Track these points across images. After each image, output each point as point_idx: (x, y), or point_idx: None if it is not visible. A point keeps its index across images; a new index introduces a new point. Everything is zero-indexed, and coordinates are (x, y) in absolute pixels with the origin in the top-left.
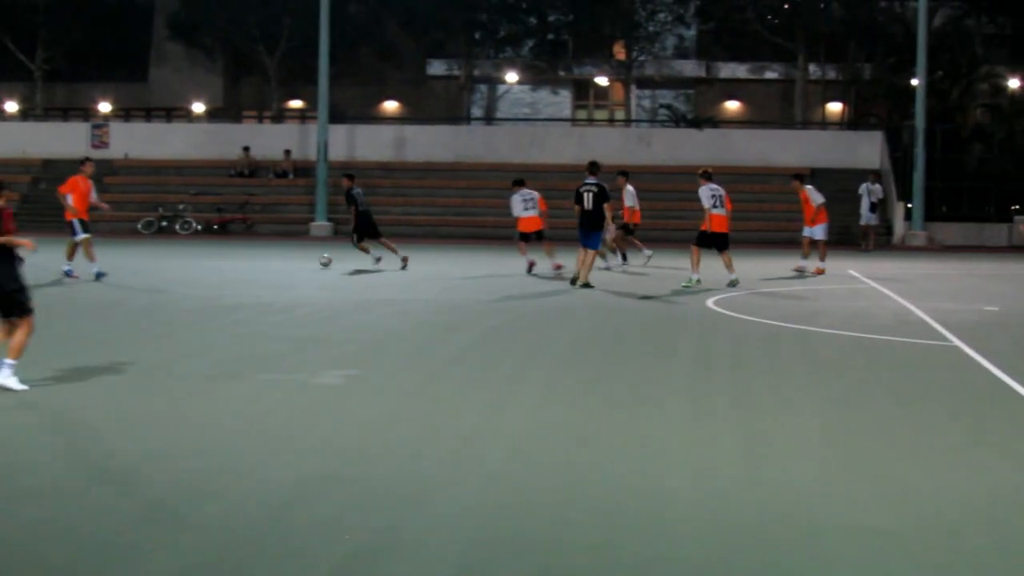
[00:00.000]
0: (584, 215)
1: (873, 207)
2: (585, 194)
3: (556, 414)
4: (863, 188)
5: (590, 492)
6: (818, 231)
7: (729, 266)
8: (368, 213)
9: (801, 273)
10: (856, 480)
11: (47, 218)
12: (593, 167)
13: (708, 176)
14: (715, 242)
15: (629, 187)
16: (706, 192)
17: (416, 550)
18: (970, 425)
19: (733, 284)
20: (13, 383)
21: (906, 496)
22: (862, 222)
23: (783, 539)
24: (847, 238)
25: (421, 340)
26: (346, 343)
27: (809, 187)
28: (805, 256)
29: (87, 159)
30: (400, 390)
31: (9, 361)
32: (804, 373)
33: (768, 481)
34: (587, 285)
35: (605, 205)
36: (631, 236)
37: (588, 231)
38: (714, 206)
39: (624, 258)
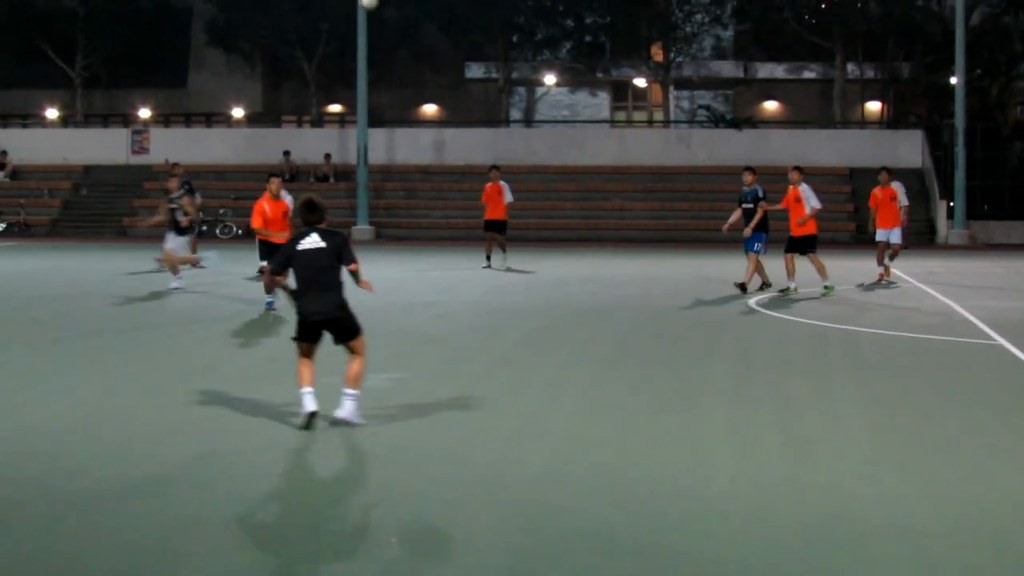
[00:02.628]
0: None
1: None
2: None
3: (600, 416)
4: None
5: (635, 494)
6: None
7: (793, 273)
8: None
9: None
10: (902, 481)
11: (88, 224)
12: (751, 171)
13: (802, 171)
14: (809, 245)
15: (503, 182)
16: (811, 190)
17: (460, 553)
18: (1018, 425)
19: (792, 291)
20: (355, 416)
21: (953, 497)
22: None
23: (829, 540)
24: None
25: (464, 343)
26: (389, 346)
27: (897, 183)
28: (881, 262)
29: (273, 175)
30: (444, 392)
31: (351, 391)
32: (848, 373)
33: (813, 482)
34: (743, 287)
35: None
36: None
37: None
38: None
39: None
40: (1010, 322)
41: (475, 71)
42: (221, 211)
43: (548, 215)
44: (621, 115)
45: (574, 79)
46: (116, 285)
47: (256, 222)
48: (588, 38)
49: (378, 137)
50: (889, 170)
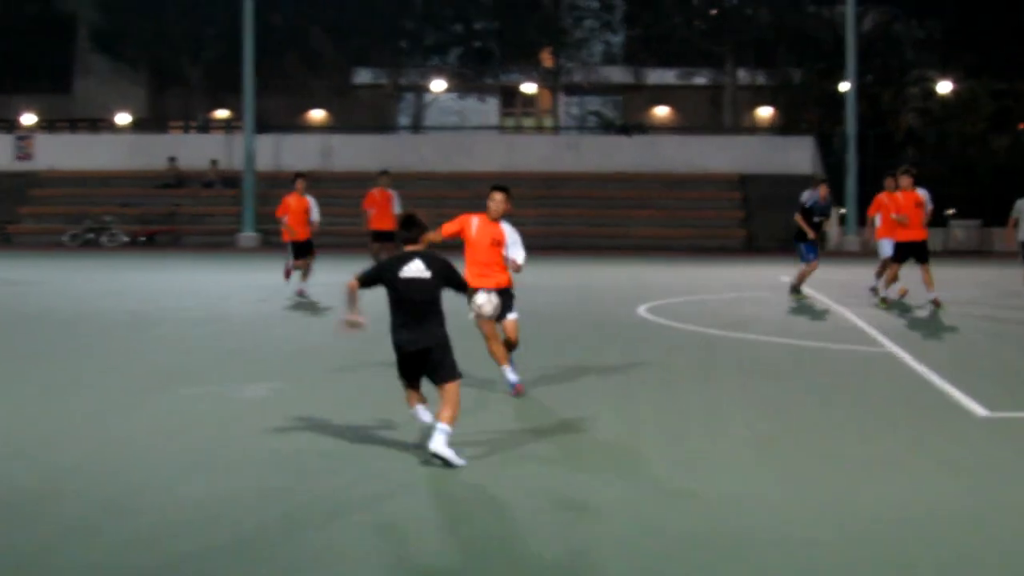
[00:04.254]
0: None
1: None
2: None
3: (482, 429)
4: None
5: (516, 509)
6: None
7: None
8: None
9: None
10: (789, 491)
11: None
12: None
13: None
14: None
15: (393, 191)
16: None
17: (341, 566)
18: (906, 434)
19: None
20: (451, 454)
21: (839, 508)
22: None
23: (714, 551)
24: (785, 244)
25: (348, 351)
26: (272, 355)
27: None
28: (881, 278)
29: (298, 175)
30: (326, 402)
31: (444, 427)
32: (735, 382)
33: (698, 492)
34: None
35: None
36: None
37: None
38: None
39: None
40: (900, 328)
41: (363, 77)
42: (107, 218)
43: (435, 223)
44: (510, 121)
45: (463, 85)
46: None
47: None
48: (477, 44)
49: (265, 143)
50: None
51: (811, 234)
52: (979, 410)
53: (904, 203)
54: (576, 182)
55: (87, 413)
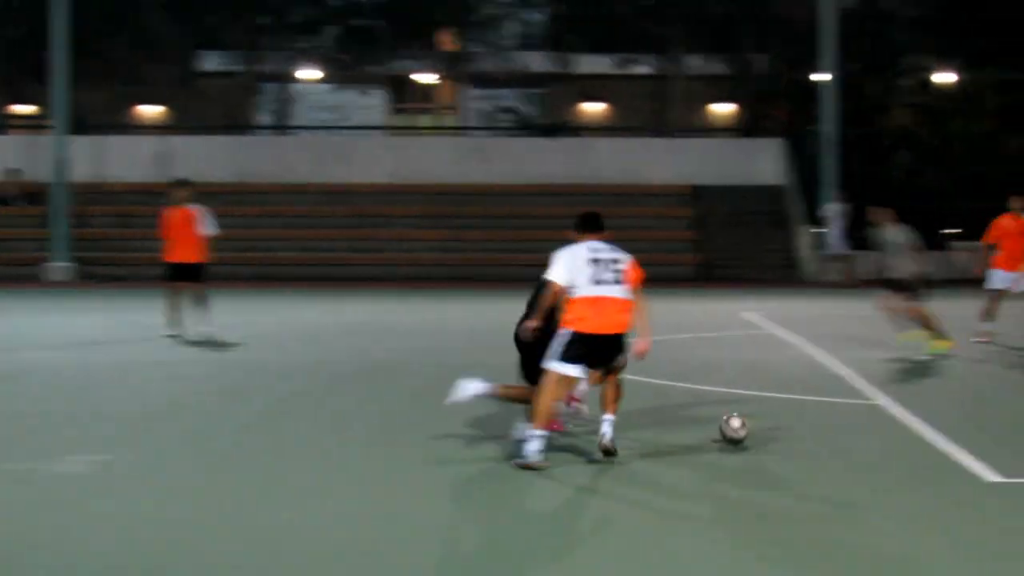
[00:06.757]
0: None
1: (848, 232)
2: None
3: (374, 513)
4: (834, 209)
5: None
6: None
7: None
8: None
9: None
10: None
11: None
12: None
13: None
14: None
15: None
16: None
17: None
18: (903, 506)
19: None
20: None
21: None
22: (834, 251)
23: None
24: (748, 273)
25: (198, 412)
26: (96, 419)
27: None
28: (992, 316)
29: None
30: (167, 479)
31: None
32: (686, 442)
33: None
34: None
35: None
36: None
37: None
38: None
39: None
40: (890, 376)
41: (211, 62)
42: None
43: (307, 247)
44: (402, 120)
45: (340, 73)
46: None
47: None
48: (358, 21)
49: (83, 147)
50: None
51: None
52: (988, 475)
53: None
54: (485, 197)
55: None
